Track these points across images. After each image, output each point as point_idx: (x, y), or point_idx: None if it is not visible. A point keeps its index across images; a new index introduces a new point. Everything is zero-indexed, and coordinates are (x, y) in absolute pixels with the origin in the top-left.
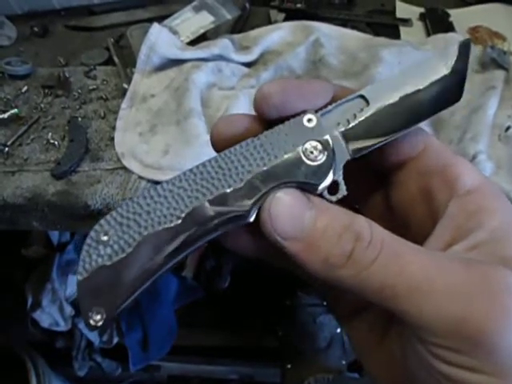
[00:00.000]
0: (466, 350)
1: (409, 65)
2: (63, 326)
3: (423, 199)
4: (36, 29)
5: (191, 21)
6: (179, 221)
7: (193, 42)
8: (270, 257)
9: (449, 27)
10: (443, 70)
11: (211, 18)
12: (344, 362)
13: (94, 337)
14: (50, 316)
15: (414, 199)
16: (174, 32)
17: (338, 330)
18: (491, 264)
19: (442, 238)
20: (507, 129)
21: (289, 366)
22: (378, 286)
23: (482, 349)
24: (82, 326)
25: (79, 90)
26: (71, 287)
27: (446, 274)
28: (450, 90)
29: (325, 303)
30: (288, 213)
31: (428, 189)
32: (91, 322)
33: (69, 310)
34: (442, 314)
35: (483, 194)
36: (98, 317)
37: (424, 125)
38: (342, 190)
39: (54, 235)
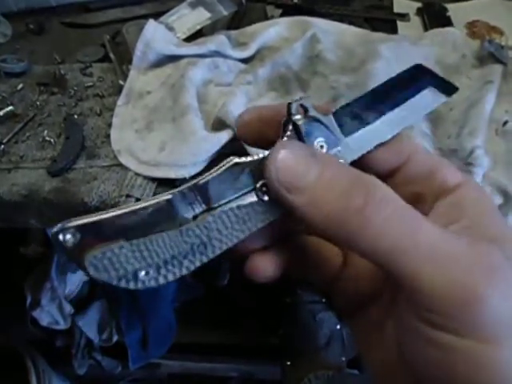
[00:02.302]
0: (456, 314)
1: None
2: (63, 325)
3: (414, 204)
4: (32, 26)
5: (187, 17)
6: None
7: (189, 39)
8: (290, 271)
9: (446, 22)
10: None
11: (207, 14)
12: (344, 359)
13: (93, 335)
14: (49, 314)
15: None
16: (171, 28)
17: (338, 327)
18: (485, 241)
19: None
20: (505, 123)
21: (288, 363)
22: (389, 248)
23: (472, 314)
24: (81, 324)
25: (75, 88)
26: (70, 286)
27: (452, 243)
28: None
29: (324, 300)
30: (294, 164)
31: (417, 194)
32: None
33: (68, 308)
34: (444, 279)
35: (465, 188)
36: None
37: (422, 120)
38: None
39: None
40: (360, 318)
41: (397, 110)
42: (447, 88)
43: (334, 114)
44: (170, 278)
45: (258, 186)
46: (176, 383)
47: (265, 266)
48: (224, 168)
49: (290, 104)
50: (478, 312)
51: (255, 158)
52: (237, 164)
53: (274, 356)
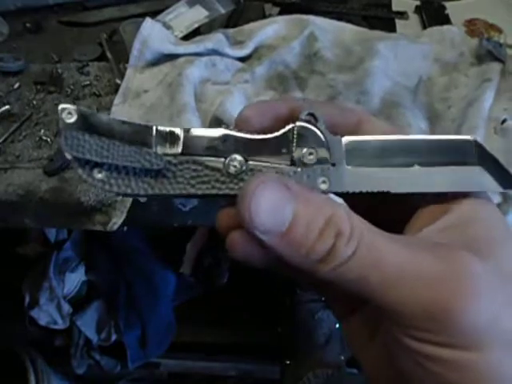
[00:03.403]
0: (437, 329)
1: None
2: (61, 324)
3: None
4: (29, 25)
5: (185, 15)
6: None
7: (186, 37)
8: (276, 268)
9: (445, 20)
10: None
11: (205, 13)
12: (343, 358)
13: (92, 334)
14: (47, 314)
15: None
16: (168, 27)
17: (337, 326)
18: (456, 249)
19: (416, 224)
20: (503, 121)
21: (288, 362)
22: (356, 278)
23: (450, 326)
24: (80, 323)
25: (72, 86)
26: (69, 285)
27: (416, 262)
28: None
29: (323, 299)
30: (268, 207)
31: None
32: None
33: (66, 307)
34: (414, 299)
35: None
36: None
37: (420, 118)
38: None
39: (51, 233)
40: (351, 321)
41: (430, 169)
42: (504, 178)
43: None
44: (123, 189)
45: (226, 161)
46: (175, 382)
47: (244, 245)
48: (213, 134)
49: (301, 109)
50: (453, 324)
51: (247, 136)
52: (226, 135)
53: (273, 355)
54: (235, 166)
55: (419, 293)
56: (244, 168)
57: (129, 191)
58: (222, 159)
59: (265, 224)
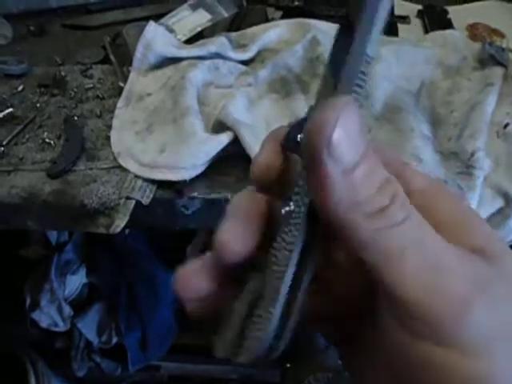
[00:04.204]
0: (440, 324)
1: None
2: (62, 327)
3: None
4: (32, 28)
5: (188, 19)
6: None
7: (189, 41)
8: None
9: (447, 24)
10: None
11: (208, 16)
12: None
13: (93, 337)
14: (48, 316)
15: None
16: (171, 30)
17: None
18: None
19: None
20: (506, 126)
21: (288, 366)
22: (396, 247)
23: (456, 325)
24: (81, 326)
25: (75, 89)
26: (70, 287)
27: (447, 254)
28: None
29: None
30: (352, 132)
31: None
32: None
33: (67, 310)
34: (431, 287)
35: (431, 191)
36: None
37: (423, 122)
38: None
39: (53, 235)
40: (335, 330)
41: None
42: None
43: None
44: None
45: None
46: None
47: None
48: None
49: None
50: (462, 324)
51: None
52: None
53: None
54: None
55: (439, 284)
56: None
57: None
58: None
59: (342, 149)
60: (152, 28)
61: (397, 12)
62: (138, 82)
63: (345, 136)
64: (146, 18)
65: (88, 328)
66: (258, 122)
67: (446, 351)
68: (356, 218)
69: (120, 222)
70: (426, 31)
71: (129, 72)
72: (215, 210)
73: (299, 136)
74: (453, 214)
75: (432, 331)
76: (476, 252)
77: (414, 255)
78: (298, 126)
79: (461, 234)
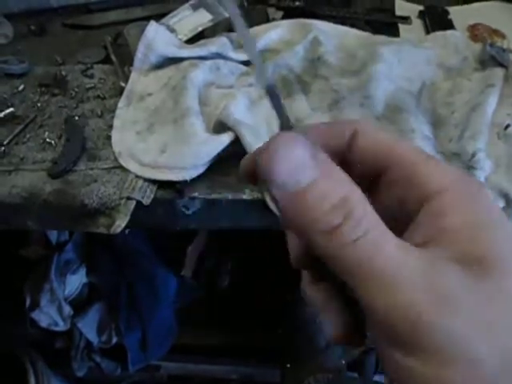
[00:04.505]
0: (403, 336)
1: None
2: (62, 326)
3: (400, 211)
4: (33, 27)
5: (189, 19)
6: None
7: (190, 41)
8: None
9: (448, 25)
10: None
11: (209, 16)
12: (344, 362)
13: (93, 337)
14: (48, 316)
15: (392, 212)
16: (172, 30)
17: None
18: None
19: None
20: (506, 127)
21: (288, 366)
22: (350, 265)
23: (415, 337)
24: (81, 325)
25: (76, 89)
26: (70, 287)
27: (407, 268)
28: None
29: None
30: (291, 162)
31: (402, 200)
32: None
33: (67, 310)
34: (393, 300)
35: (450, 195)
36: None
37: (424, 123)
38: None
39: (53, 235)
40: None
41: None
42: None
43: None
44: None
45: None
46: None
47: None
48: None
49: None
50: (421, 336)
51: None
52: None
53: (274, 358)
54: None
55: (399, 298)
56: None
57: None
58: None
59: (283, 177)
60: (153, 28)
61: (398, 12)
62: (138, 81)
63: (285, 166)
64: (147, 18)
65: (88, 328)
66: (259, 123)
67: (410, 359)
68: (312, 236)
69: (121, 222)
70: (427, 32)
71: (130, 72)
72: (216, 210)
73: None
74: (465, 218)
75: (397, 341)
76: (472, 261)
77: (366, 273)
78: None
79: (464, 241)
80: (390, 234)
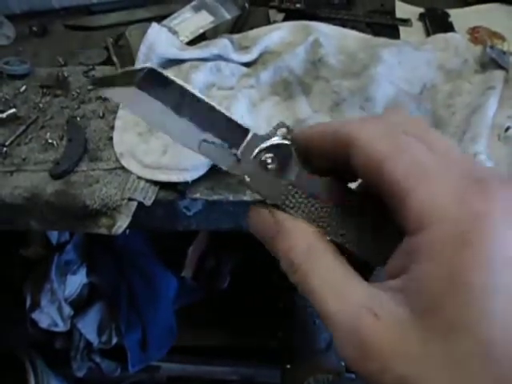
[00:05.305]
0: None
1: None
2: (62, 327)
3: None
4: (35, 28)
5: (190, 20)
6: None
7: (192, 42)
8: None
9: (448, 27)
10: None
11: (210, 18)
12: (343, 363)
13: (93, 337)
14: (48, 316)
15: None
16: (173, 32)
17: None
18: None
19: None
20: (507, 129)
21: (288, 367)
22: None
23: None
24: (81, 326)
25: (78, 90)
26: (70, 287)
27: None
28: None
29: None
30: (259, 226)
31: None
32: None
33: (67, 310)
34: (352, 341)
35: (426, 236)
36: None
37: None
38: None
39: (53, 235)
40: None
41: None
42: None
43: None
44: None
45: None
46: None
47: None
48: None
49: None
50: (362, 348)
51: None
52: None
53: (274, 359)
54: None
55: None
56: None
57: None
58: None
59: (258, 234)
60: (155, 29)
61: (398, 15)
62: None
63: (258, 227)
64: (149, 20)
65: (88, 328)
66: (260, 124)
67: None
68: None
69: (122, 223)
70: (428, 34)
71: None
72: (217, 211)
73: None
74: (432, 270)
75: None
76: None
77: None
78: None
79: (422, 295)
80: (349, 274)
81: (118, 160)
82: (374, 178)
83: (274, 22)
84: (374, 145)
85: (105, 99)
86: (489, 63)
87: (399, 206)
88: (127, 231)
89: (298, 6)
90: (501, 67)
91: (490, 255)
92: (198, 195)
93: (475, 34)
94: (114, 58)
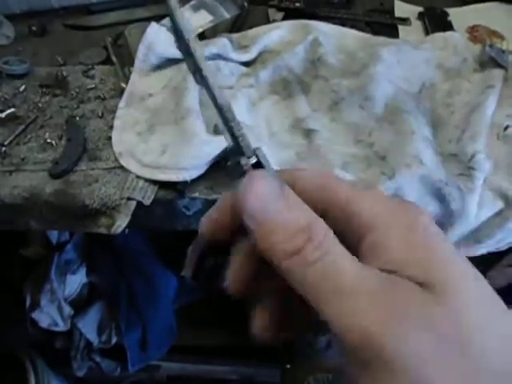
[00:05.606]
0: (358, 352)
1: None
2: (62, 326)
3: (346, 247)
4: (34, 28)
5: (189, 20)
6: None
7: None
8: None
9: (447, 26)
10: None
11: (210, 17)
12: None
13: (93, 337)
14: (48, 316)
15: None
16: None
17: None
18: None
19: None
20: (506, 128)
21: (288, 366)
22: (313, 282)
23: (367, 354)
24: (81, 325)
25: (77, 90)
26: (70, 287)
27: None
28: None
29: None
30: (259, 197)
31: (344, 236)
32: None
33: (67, 310)
34: (349, 318)
35: (380, 231)
36: None
37: (424, 124)
38: None
39: (53, 235)
40: None
41: None
42: None
43: None
44: None
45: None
46: None
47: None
48: None
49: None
50: (372, 352)
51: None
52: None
53: (274, 359)
54: None
55: (353, 314)
56: None
57: None
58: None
59: (251, 210)
60: (154, 29)
61: (397, 14)
62: (139, 82)
63: (253, 201)
64: (148, 19)
65: (88, 328)
66: (259, 123)
67: (368, 375)
68: (277, 257)
69: (121, 223)
70: (427, 33)
71: (130, 73)
72: None
73: None
74: (398, 254)
75: (354, 356)
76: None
77: (326, 289)
78: None
79: (403, 264)
80: (348, 255)
81: (117, 159)
82: (320, 201)
83: (274, 21)
84: (317, 175)
85: (104, 99)
86: (488, 62)
87: (348, 213)
88: (126, 230)
89: (297, 4)
90: (500, 66)
91: None
92: (197, 194)
93: (474, 33)
94: (113, 58)
